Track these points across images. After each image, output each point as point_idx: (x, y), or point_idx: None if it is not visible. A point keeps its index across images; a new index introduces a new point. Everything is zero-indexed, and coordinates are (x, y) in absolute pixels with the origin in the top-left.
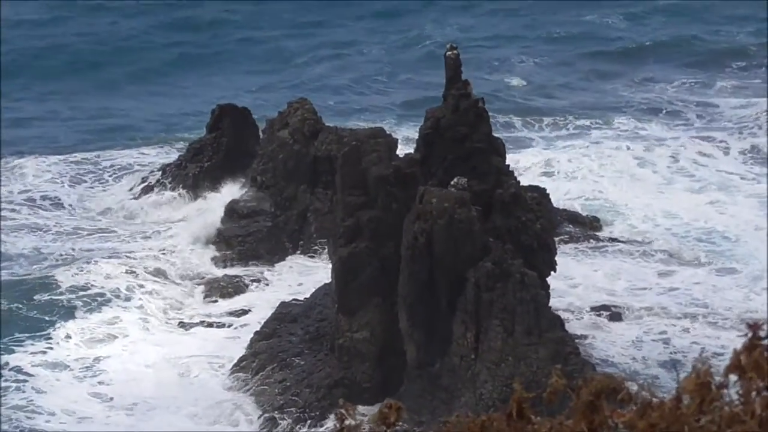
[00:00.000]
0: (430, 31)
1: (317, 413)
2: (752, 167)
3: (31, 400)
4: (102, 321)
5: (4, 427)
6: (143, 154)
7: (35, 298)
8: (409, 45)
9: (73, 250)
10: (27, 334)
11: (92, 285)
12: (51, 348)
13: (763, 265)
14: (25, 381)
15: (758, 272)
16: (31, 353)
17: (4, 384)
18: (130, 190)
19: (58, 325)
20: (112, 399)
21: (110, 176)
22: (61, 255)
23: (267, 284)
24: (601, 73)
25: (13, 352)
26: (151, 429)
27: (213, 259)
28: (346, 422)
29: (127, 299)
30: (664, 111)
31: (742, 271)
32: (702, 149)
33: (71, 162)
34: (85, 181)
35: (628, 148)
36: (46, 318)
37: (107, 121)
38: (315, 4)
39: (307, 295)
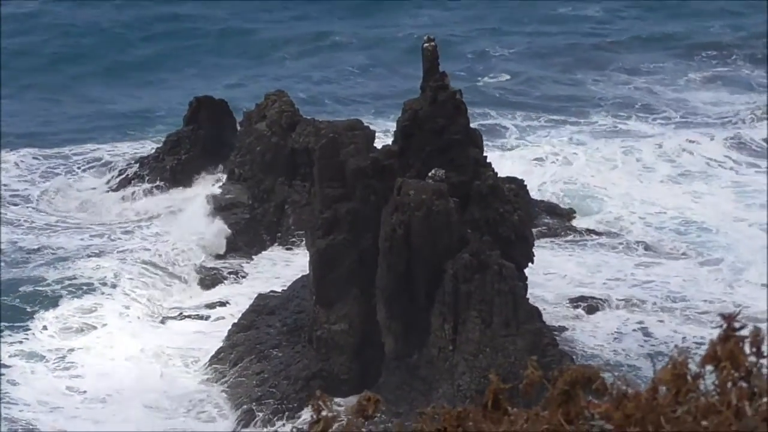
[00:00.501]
0: (407, 23)
1: (295, 405)
2: (730, 156)
3: (7, 392)
4: (81, 312)
5: None
6: (115, 147)
7: (20, 289)
8: (387, 37)
9: (55, 244)
10: (6, 323)
11: (75, 278)
12: (28, 339)
13: (742, 257)
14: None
15: (738, 264)
16: (9, 343)
17: None
18: (107, 183)
19: (38, 315)
20: (85, 392)
21: (81, 170)
22: (42, 249)
23: (244, 276)
24: (576, 66)
25: None
26: (123, 422)
27: (191, 251)
28: (323, 413)
29: (108, 293)
30: (638, 104)
31: (722, 263)
32: (680, 141)
33: (41, 156)
34: (59, 175)
35: (606, 140)
36: (27, 309)
37: (82, 115)
38: None
39: (285, 287)
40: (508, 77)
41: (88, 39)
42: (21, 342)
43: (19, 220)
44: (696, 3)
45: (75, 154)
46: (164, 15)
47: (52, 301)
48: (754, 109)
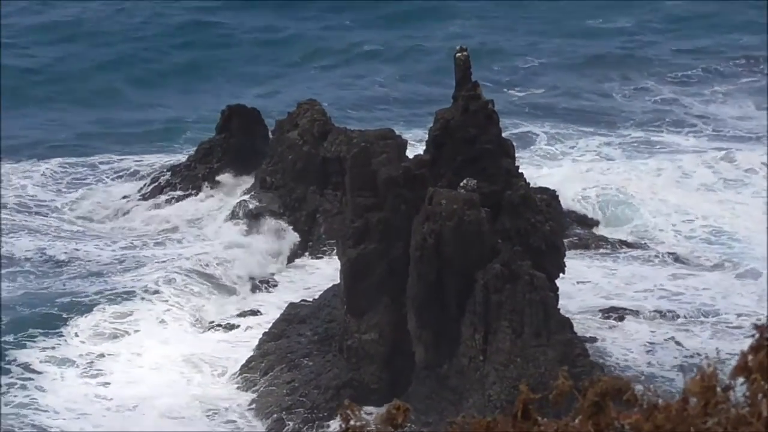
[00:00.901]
0: (437, 34)
1: (325, 414)
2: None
3: (34, 398)
4: (115, 317)
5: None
6: (143, 158)
7: (57, 300)
8: (418, 47)
9: (86, 255)
10: (40, 330)
11: (114, 288)
12: (60, 345)
13: None
14: (31, 379)
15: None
16: (41, 349)
17: (8, 381)
18: (139, 191)
19: (72, 322)
20: (111, 399)
21: (110, 179)
22: (73, 260)
23: (275, 285)
24: (606, 77)
25: (24, 347)
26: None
27: (222, 257)
28: (351, 422)
29: (146, 301)
30: (668, 117)
31: (755, 275)
32: (713, 154)
33: (68, 165)
34: (88, 184)
35: (637, 151)
36: (63, 315)
37: (106, 125)
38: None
39: (316, 296)
40: (542, 89)
41: (121, 47)
42: (53, 348)
43: (48, 228)
44: (726, 16)
45: (102, 163)
46: (196, 23)
47: (88, 308)
48: None
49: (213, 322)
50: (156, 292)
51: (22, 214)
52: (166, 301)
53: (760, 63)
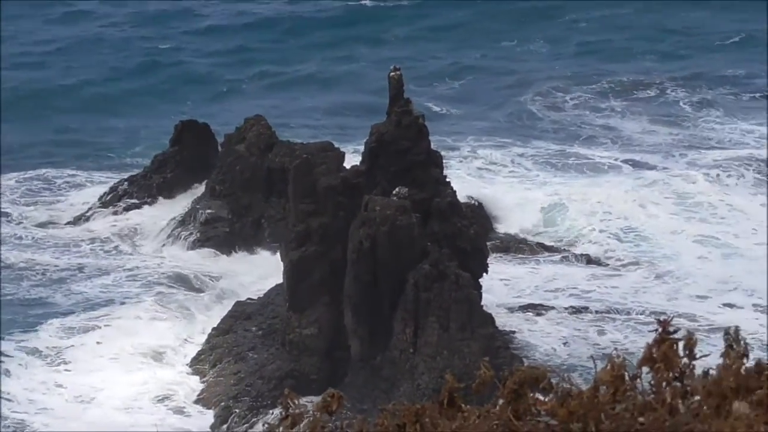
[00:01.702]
0: (364, 53)
1: (268, 402)
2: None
3: None
4: (87, 318)
5: None
6: (92, 174)
7: (31, 312)
8: (351, 70)
9: (45, 261)
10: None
11: (82, 292)
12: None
13: (684, 268)
14: None
15: (679, 274)
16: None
17: None
18: (99, 199)
19: (47, 322)
20: (66, 387)
21: (65, 190)
22: (36, 264)
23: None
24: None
25: None
26: (102, 418)
27: (175, 259)
28: (291, 410)
29: (114, 304)
30: (573, 128)
31: (666, 274)
32: (627, 165)
33: (22, 179)
34: (44, 195)
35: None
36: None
37: (60, 141)
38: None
39: (261, 295)
40: (453, 110)
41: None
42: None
43: (7, 237)
44: (640, 44)
45: (55, 178)
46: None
47: (63, 312)
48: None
49: (163, 316)
50: (125, 297)
51: None
52: (130, 303)
53: (654, 83)
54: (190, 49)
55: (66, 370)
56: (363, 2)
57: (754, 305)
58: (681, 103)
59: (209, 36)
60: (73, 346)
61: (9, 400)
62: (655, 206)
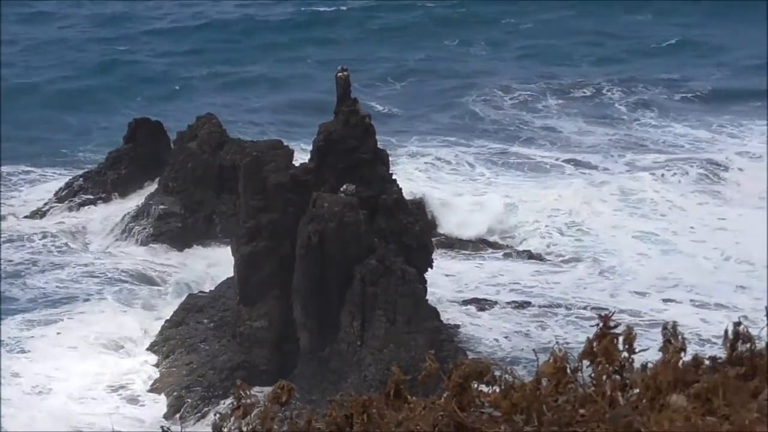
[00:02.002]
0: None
1: (220, 392)
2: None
3: None
4: (49, 313)
5: None
6: (46, 170)
7: None
8: (293, 73)
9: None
10: None
11: (41, 287)
12: None
13: (625, 263)
14: None
15: (620, 269)
16: None
17: None
18: (55, 194)
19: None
20: (22, 377)
21: (21, 186)
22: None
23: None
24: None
25: None
26: (54, 407)
27: (129, 253)
28: (243, 400)
29: (74, 297)
30: (512, 128)
31: (608, 269)
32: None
33: None
34: None
35: (496, 161)
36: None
37: (12, 138)
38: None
39: (213, 288)
40: (396, 110)
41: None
42: None
43: None
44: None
45: (10, 175)
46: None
47: (22, 308)
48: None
49: (117, 308)
50: (82, 291)
51: None
52: (87, 296)
53: (591, 85)
54: (146, 50)
55: (25, 359)
56: (315, 8)
57: (691, 301)
58: (617, 105)
59: (165, 36)
60: (33, 337)
61: None
62: (603, 205)
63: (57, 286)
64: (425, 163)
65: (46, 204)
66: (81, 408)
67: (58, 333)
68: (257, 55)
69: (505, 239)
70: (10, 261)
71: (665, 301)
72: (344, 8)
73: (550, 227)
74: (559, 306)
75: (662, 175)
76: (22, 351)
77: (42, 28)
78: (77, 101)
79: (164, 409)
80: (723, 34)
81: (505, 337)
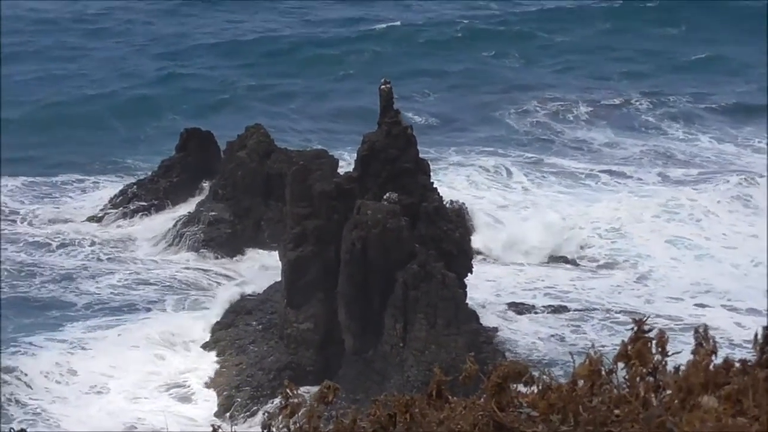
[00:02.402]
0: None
1: (268, 392)
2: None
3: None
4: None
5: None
6: (99, 178)
7: (47, 312)
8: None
9: (56, 262)
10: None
11: (97, 293)
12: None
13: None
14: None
15: (655, 275)
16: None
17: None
18: (110, 200)
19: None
20: (77, 372)
21: (75, 193)
22: (45, 264)
23: (227, 282)
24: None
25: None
26: (110, 403)
27: (181, 258)
28: (290, 400)
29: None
30: (542, 138)
31: (644, 274)
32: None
33: (31, 183)
34: (54, 197)
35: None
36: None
37: (67, 147)
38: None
39: (261, 292)
40: (431, 119)
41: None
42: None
43: (17, 237)
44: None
45: (64, 183)
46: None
47: (81, 314)
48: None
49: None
50: (137, 295)
51: None
52: (143, 299)
53: (619, 97)
54: (198, 63)
55: (84, 358)
56: (366, 26)
57: (722, 305)
58: (645, 116)
59: (216, 51)
60: (95, 338)
61: (28, 386)
62: (646, 215)
63: (111, 292)
64: (466, 175)
65: (101, 210)
66: (135, 406)
67: (118, 335)
68: (304, 68)
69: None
70: (62, 267)
71: (699, 306)
72: (395, 24)
73: (600, 237)
74: (594, 310)
75: (696, 185)
76: (83, 348)
77: (102, 42)
78: (129, 111)
79: (215, 408)
80: (752, 51)
81: (542, 340)
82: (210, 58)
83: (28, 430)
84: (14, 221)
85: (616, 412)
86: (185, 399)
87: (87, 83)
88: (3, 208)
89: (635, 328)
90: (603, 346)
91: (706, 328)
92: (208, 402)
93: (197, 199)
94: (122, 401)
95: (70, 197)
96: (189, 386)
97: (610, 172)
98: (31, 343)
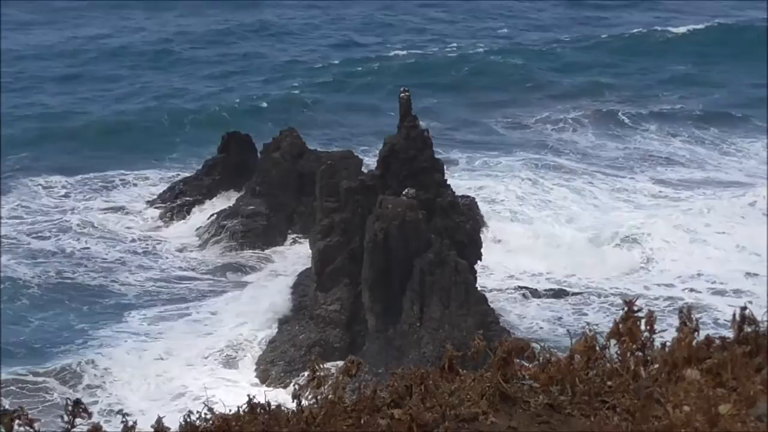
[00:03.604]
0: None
1: (299, 366)
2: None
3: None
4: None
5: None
6: (141, 173)
7: (102, 301)
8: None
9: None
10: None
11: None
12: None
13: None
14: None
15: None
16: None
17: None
18: (159, 196)
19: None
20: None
21: (121, 189)
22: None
23: (263, 268)
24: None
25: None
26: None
27: (223, 247)
28: (318, 373)
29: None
30: (550, 146)
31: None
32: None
33: (72, 182)
34: (108, 192)
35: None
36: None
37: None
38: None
39: (293, 277)
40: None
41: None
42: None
43: (70, 230)
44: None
45: (111, 177)
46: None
47: (137, 301)
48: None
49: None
50: (188, 280)
51: (46, 216)
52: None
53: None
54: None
55: (145, 338)
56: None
57: (708, 289)
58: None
59: (263, 71)
60: (156, 324)
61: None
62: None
63: (161, 280)
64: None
65: (151, 204)
66: (187, 373)
67: (177, 321)
68: (344, 85)
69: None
70: (113, 257)
71: (689, 290)
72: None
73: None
74: (592, 295)
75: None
76: (147, 335)
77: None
78: (179, 120)
79: (254, 380)
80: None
81: (544, 320)
82: (256, 75)
83: (84, 401)
84: (65, 212)
85: (609, 383)
86: (229, 366)
87: (137, 94)
88: (56, 200)
89: (626, 309)
90: (597, 325)
91: (689, 308)
92: (248, 373)
93: (237, 195)
94: (181, 372)
95: (119, 192)
96: (234, 360)
97: (603, 173)
98: (105, 336)
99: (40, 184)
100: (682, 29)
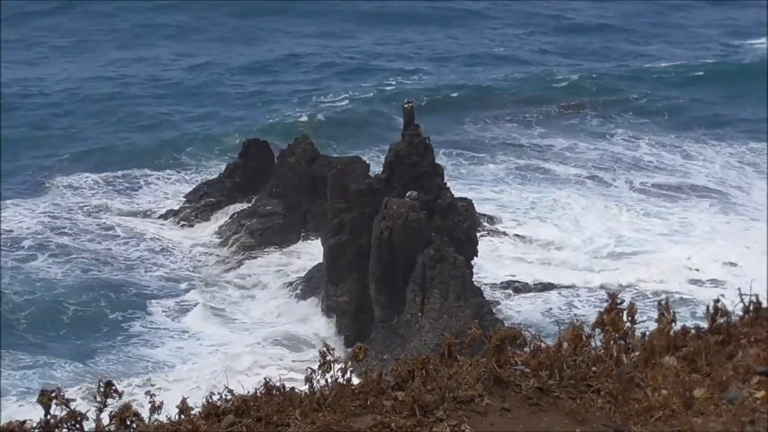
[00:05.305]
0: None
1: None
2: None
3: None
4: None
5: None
6: (165, 172)
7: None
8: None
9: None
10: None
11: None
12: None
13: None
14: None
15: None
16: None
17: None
18: (185, 196)
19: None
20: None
21: (152, 187)
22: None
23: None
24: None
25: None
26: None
27: (243, 244)
28: (328, 358)
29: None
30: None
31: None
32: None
33: (101, 180)
34: (134, 191)
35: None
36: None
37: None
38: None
39: (306, 270)
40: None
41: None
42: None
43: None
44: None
45: (135, 177)
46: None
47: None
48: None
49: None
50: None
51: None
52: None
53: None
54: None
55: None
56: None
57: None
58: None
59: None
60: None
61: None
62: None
63: (188, 274)
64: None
65: (178, 204)
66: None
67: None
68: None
69: (531, 233)
70: (128, 257)
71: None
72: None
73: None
74: (580, 288)
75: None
76: (185, 331)
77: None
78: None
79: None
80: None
81: (535, 311)
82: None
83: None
84: (97, 211)
85: (594, 369)
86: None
87: (162, 104)
88: (85, 199)
89: (610, 301)
90: (583, 315)
91: (667, 300)
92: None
93: (255, 196)
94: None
95: (143, 192)
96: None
97: (593, 177)
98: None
99: (70, 184)
100: None
